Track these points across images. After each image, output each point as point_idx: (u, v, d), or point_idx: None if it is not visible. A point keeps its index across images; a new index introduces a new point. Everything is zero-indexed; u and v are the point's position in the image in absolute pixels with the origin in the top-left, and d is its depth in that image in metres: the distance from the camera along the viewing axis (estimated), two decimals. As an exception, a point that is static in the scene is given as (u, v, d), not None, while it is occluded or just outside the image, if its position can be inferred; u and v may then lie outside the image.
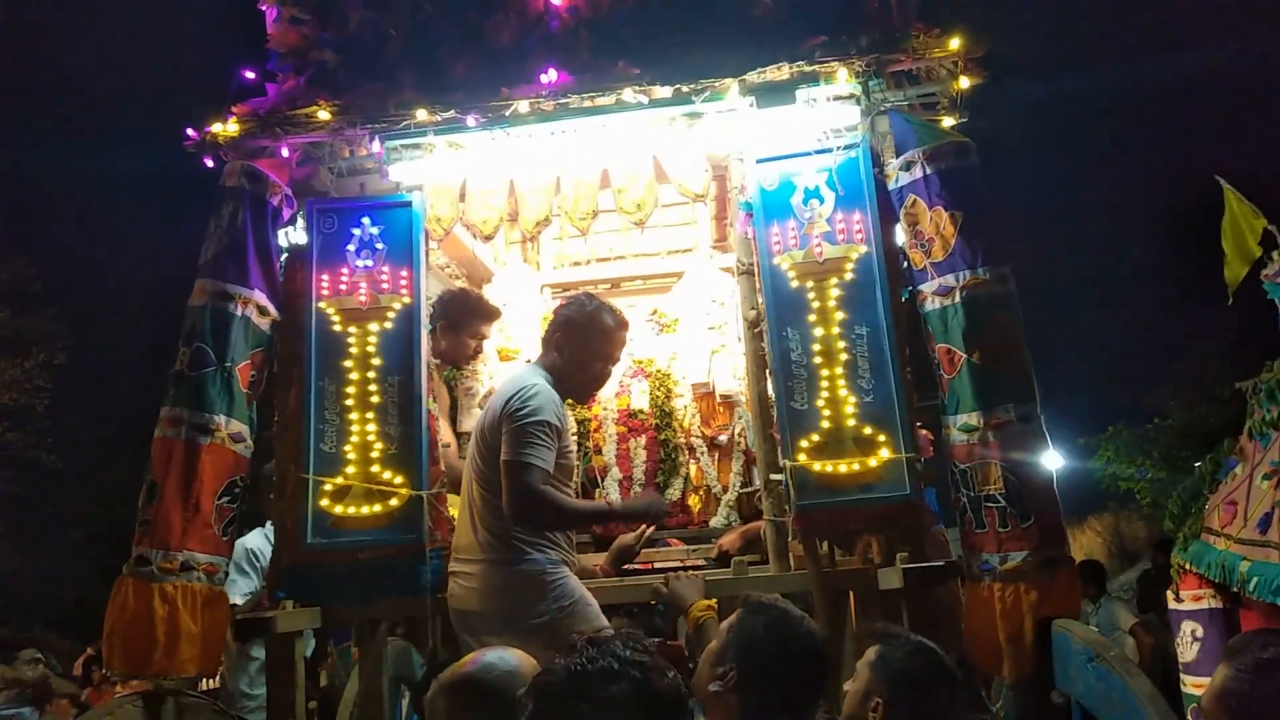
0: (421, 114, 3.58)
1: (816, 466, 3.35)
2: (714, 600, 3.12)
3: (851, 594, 3.56)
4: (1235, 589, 4.43)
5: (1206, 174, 5.82)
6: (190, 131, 3.68)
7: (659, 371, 4.49)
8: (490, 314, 4.33)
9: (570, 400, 3.55)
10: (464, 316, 4.21)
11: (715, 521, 4.33)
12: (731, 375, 4.39)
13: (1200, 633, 5.21)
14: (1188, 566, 5.18)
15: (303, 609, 3.39)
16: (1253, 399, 5.25)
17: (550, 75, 3.55)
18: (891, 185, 3.55)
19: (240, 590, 4.37)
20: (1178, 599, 5.35)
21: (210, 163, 3.73)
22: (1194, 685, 4.56)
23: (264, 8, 3.93)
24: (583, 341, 3.37)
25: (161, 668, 3.18)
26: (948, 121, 3.67)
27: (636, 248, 5.60)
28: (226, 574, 3.48)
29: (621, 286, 5.46)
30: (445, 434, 4.03)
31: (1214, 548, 4.88)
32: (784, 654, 2.19)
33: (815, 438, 3.38)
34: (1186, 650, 5.21)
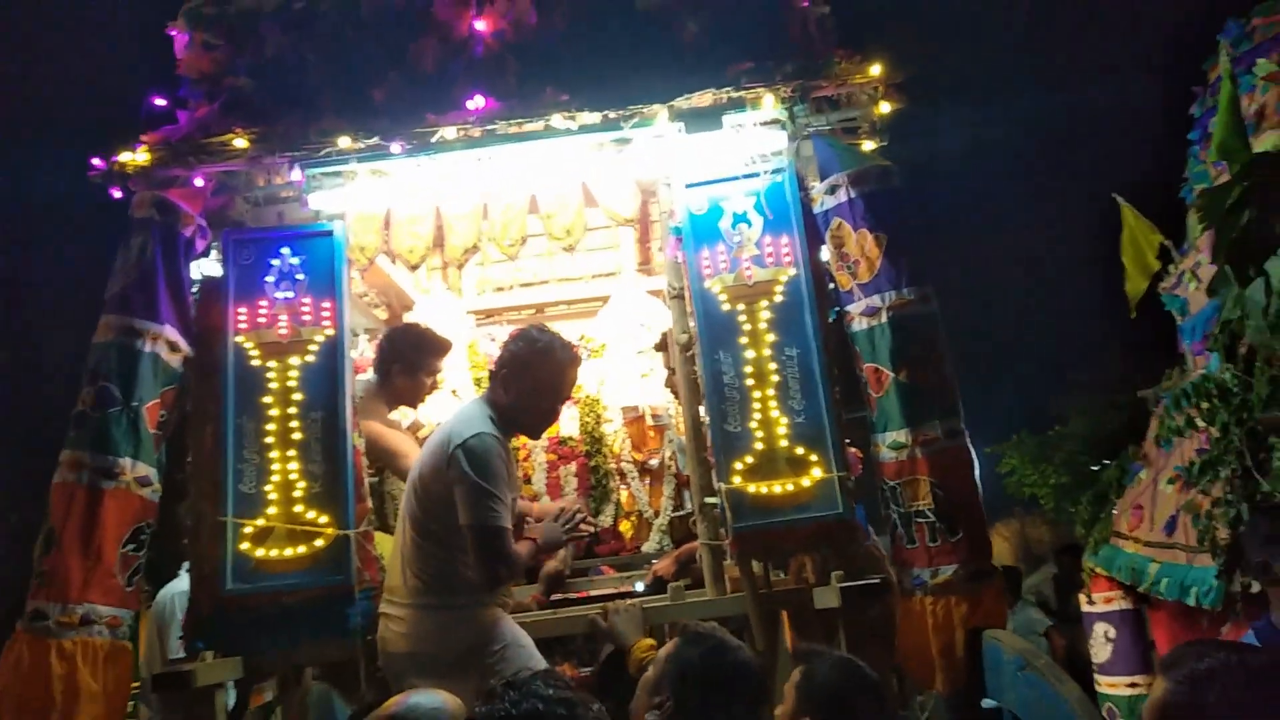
0: (344, 141, 3.49)
1: (751, 488, 3.37)
2: (653, 641, 3.10)
3: (786, 614, 3.59)
4: (1145, 590, 4.62)
5: (1108, 193, 6.14)
6: (96, 161, 3.52)
7: (588, 397, 4.46)
8: (444, 348, 4.11)
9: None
10: (419, 355, 4.00)
11: (648, 547, 4.32)
12: (661, 399, 4.39)
13: (1113, 634, 5.41)
14: (1099, 570, 5.40)
15: (223, 659, 3.22)
16: (1154, 406, 5.51)
17: (477, 101, 3.51)
18: (817, 209, 3.61)
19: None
20: (1090, 602, 5.55)
21: (118, 194, 3.56)
22: (1108, 685, 4.73)
23: (173, 32, 3.79)
24: (533, 379, 3.15)
25: (60, 731, 2.99)
26: (868, 146, 3.76)
27: (560, 272, 5.58)
28: (131, 627, 3.30)
29: (546, 312, 5.42)
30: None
31: (1124, 551, 5.08)
32: (720, 683, 2.23)
33: (749, 459, 3.40)
34: (1100, 651, 5.40)
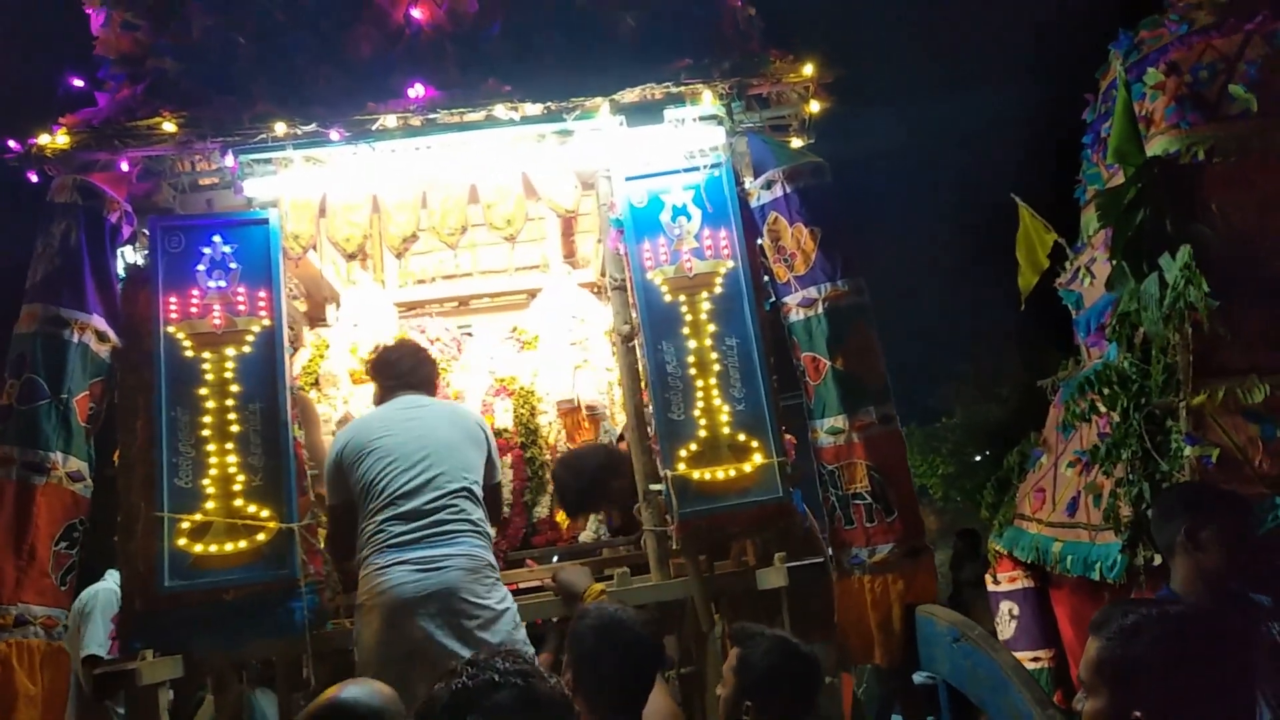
0: (280, 127, 3.42)
1: (695, 475, 3.45)
2: (604, 585, 3.15)
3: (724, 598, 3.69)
4: (1049, 568, 4.91)
5: (1003, 192, 6.48)
6: (12, 143, 3.34)
7: (522, 389, 4.47)
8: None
9: None
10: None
11: (584, 536, 4.35)
12: (595, 390, 4.44)
13: (1016, 611, 5.73)
14: (1003, 551, 5.71)
15: (164, 658, 3.12)
16: (1051, 395, 5.85)
17: (417, 90, 3.49)
18: (754, 203, 3.72)
19: (99, 641, 3.98)
20: (995, 581, 5.86)
21: (35, 178, 3.39)
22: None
23: (89, 11, 3.62)
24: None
25: (-4, 736, 2.86)
26: (796, 143, 3.89)
27: (484, 265, 5.57)
28: (66, 627, 3.16)
29: (470, 304, 5.40)
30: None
31: (1027, 532, 5.38)
32: (611, 652, 2.38)
33: (693, 447, 3.48)
34: (1005, 628, 5.71)
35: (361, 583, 3.11)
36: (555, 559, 4.43)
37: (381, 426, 3.29)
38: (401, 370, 3.48)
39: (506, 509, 4.29)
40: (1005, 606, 5.78)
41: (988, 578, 5.92)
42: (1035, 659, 5.39)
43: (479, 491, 3.26)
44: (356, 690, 2.19)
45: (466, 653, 3.01)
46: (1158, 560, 3.68)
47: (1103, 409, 4.04)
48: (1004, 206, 6.70)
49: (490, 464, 3.39)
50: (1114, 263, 4.04)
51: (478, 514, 3.21)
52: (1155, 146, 4.29)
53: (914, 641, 3.30)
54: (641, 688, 2.44)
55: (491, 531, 3.29)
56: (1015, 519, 5.65)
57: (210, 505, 3.27)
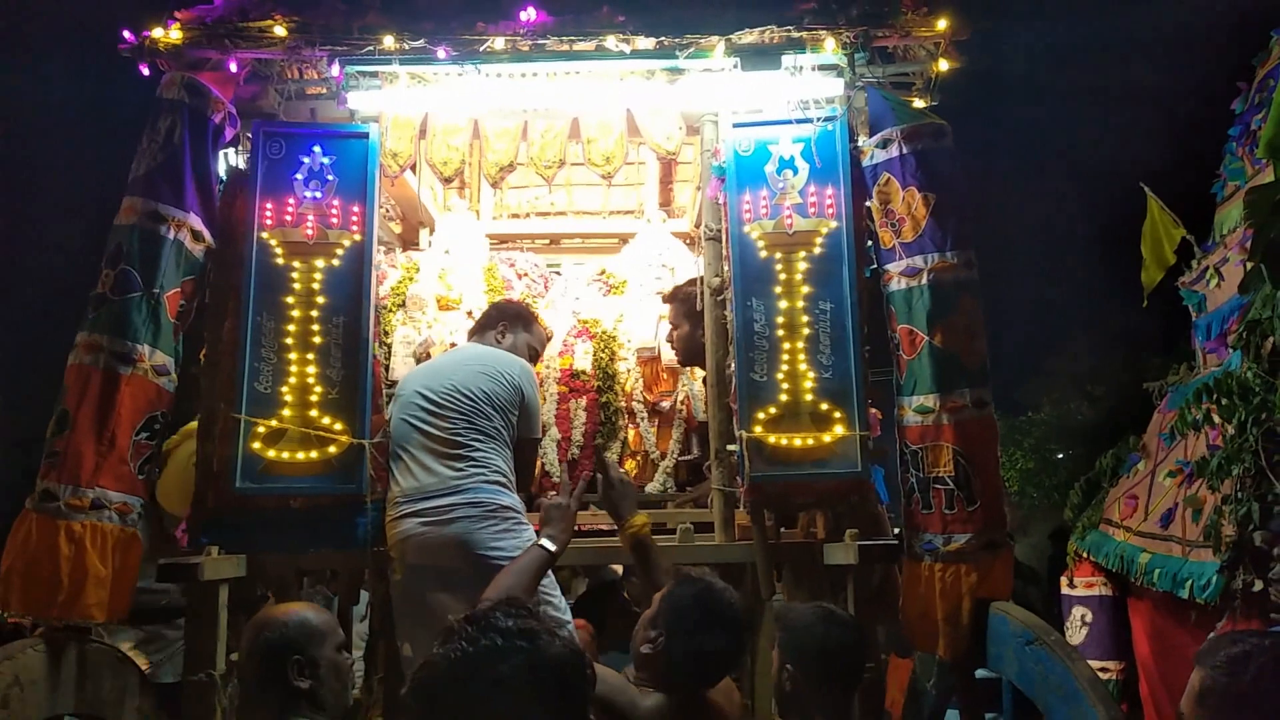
0: (388, 40, 3.36)
1: (771, 439, 3.34)
2: (647, 517, 3.07)
3: (788, 568, 3.59)
4: (1134, 579, 4.68)
5: (1132, 178, 6.10)
6: (127, 34, 3.36)
7: (604, 333, 4.38)
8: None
9: None
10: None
11: (651, 488, 4.28)
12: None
13: (1089, 617, 5.51)
14: (1084, 555, 5.47)
15: (228, 556, 3.17)
16: (1158, 400, 5.53)
17: (529, 13, 3.39)
18: (866, 162, 3.53)
19: None
20: (1071, 584, 5.63)
21: (146, 71, 3.41)
22: (1081, 668, 4.83)
23: (215, -92, 3.60)
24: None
25: (65, 612, 2.94)
26: (918, 103, 3.67)
27: (579, 205, 5.49)
28: (140, 514, 3.22)
29: (561, 243, 5.34)
30: None
31: (1113, 538, 5.14)
32: (707, 624, 2.40)
33: (772, 410, 3.37)
34: (1075, 633, 5.50)
35: (387, 525, 3.20)
36: None
37: (425, 374, 3.44)
38: (487, 322, 3.70)
39: (576, 450, 4.26)
40: (1078, 612, 5.57)
41: (1063, 580, 5.71)
42: (1104, 669, 5.18)
43: (501, 439, 3.29)
44: (297, 608, 2.40)
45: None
46: (1258, 585, 3.46)
47: (1217, 419, 3.78)
48: (1130, 194, 6.35)
49: (525, 417, 3.39)
50: (1250, 265, 3.74)
51: (496, 460, 3.23)
52: (1315, 144, 3.96)
53: (981, 637, 3.15)
54: (727, 665, 2.50)
55: (511, 479, 3.29)
56: (1101, 523, 5.41)
57: (286, 413, 3.30)
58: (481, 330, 3.70)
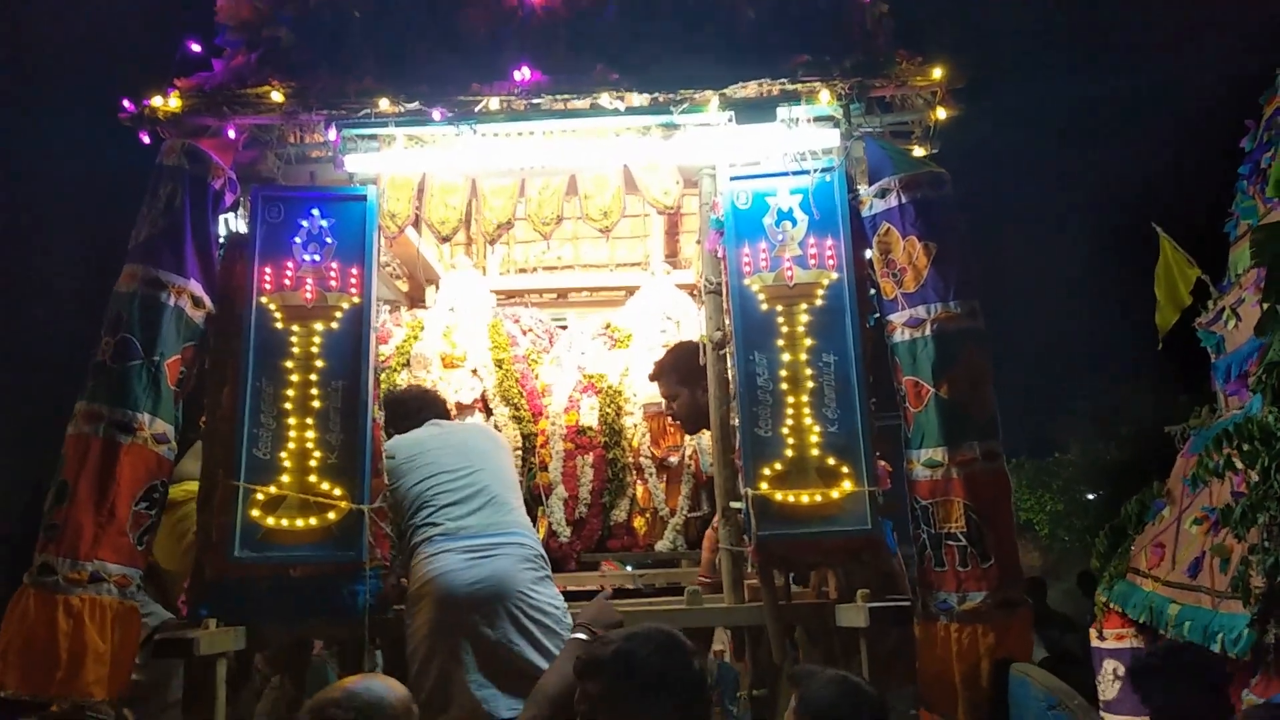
0: (384, 103, 3.37)
1: (778, 496, 3.27)
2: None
3: (800, 629, 3.50)
4: (1162, 631, 4.52)
5: (1144, 218, 6.02)
6: (127, 103, 3.39)
7: (610, 388, 4.34)
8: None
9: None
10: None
11: (661, 545, 4.22)
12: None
13: (1122, 671, 5.31)
14: (1112, 606, 5.29)
15: (226, 629, 3.12)
16: (1180, 444, 5.40)
17: (523, 73, 3.39)
18: (865, 212, 3.49)
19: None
20: (1100, 637, 5.45)
21: (147, 139, 3.44)
22: (1112, 724, 4.64)
23: (214, -23, 3.66)
24: None
25: (63, 689, 2.88)
26: (918, 152, 3.64)
27: (586, 259, 5.49)
28: (140, 587, 3.18)
29: (569, 298, 5.33)
30: None
31: (1140, 589, 4.98)
32: (661, 681, 2.27)
33: (778, 466, 3.30)
34: (1108, 688, 5.31)
35: (412, 571, 3.17)
36: (630, 567, 4.32)
37: (424, 441, 3.52)
38: (423, 404, 3.78)
39: (584, 509, 4.20)
40: (1110, 665, 5.37)
41: (1093, 632, 5.52)
42: (1139, 726, 4.98)
43: (519, 491, 3.51)
44: (366, 684, 2.26)
45: (526, 646, 2.99)
46: (1291, 640, 3.32)
47: (1240, 465, 3.67)
48: (1144, 234, 6.26)
49: None
50: (1266, 306, 3.66)
51: (522, 509, 3.40)
52: (1325, 181, 3.89)
53: (1002, 700, 3.02)
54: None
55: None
56: (1128, 573, 5.24)
57: (285, 479, 3.26)
58: (442, 415, 3.85)
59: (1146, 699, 3.44)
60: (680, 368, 3.83)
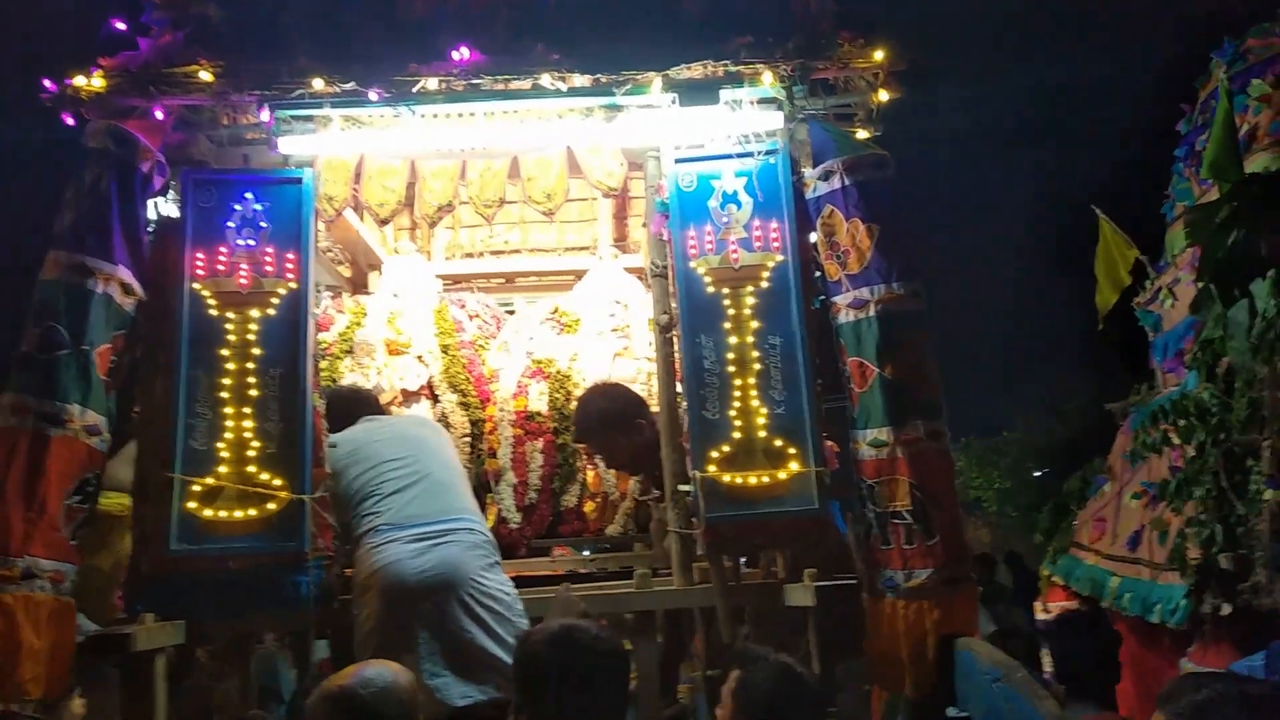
0: (318, 83, 3.29)
1: (726, 478, 3.27)
2: None
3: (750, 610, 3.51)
4: (1105, 604, 4.62)
5: (1084, 201, 6.13)
6: (48, 83, 3.27)
7: (559, 372, 4.30)
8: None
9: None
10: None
11: (611, 530, 4.19)
12: (633, 379, 4.26)
13: (1063, 642, 5.42)
14: (1056, 579, 5.40)
15: (164, 624, 3.04)
16: (1120, 420, 5.51)
17: (462, 53, 3.33)
18: (809, 194, 3.49)
19: None
20: (1045, 610, 5.56)
21: (70, 120, 3.32)
22: (1058, 696, 4.74)
23: (138, -48, 3.53)
24: None
25: (-2, 689, 2.79)
26: (861, 134, 3.65)
27: (533, 242, 5.43)
28: (74, 582, 3.08)
29: (516, 282, 5.27)
30: None
31: (1083, 562, 5.08)
32: (568, 672, 2.17)
33: (725, 448, 3.30)
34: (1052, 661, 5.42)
35: (359, 561, 3.13)
36: (585, 552, 4.30)
37: (361, 436, 3.49)
38: (355, 402, 3.78)
39: (534, 495, 4.17)
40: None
41: (1037, 606, 5.63)
42: (1082, 696, 5.09)
43: (465, 477, 3.54)
44: (374, 671, 2.26)
45: (479, 633, 2.97)
46: (1226, 609, 3.40)
47: (1176, 441, 3.74)
48: (1083, 216, 6.37)
49: None
50: (1200, 285, 3.73)
51: (469, 495, 3.40)
52: (1255, 163, 3.96)
53: (948, 674, 3.06)
54: (606, 712, 2.22)
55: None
56: (1071, 547, 5.35)
57: (223, 470, 3.19)
58: (378, 411, 3.88)
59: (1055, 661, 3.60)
60: (601, 418, 3.84)
